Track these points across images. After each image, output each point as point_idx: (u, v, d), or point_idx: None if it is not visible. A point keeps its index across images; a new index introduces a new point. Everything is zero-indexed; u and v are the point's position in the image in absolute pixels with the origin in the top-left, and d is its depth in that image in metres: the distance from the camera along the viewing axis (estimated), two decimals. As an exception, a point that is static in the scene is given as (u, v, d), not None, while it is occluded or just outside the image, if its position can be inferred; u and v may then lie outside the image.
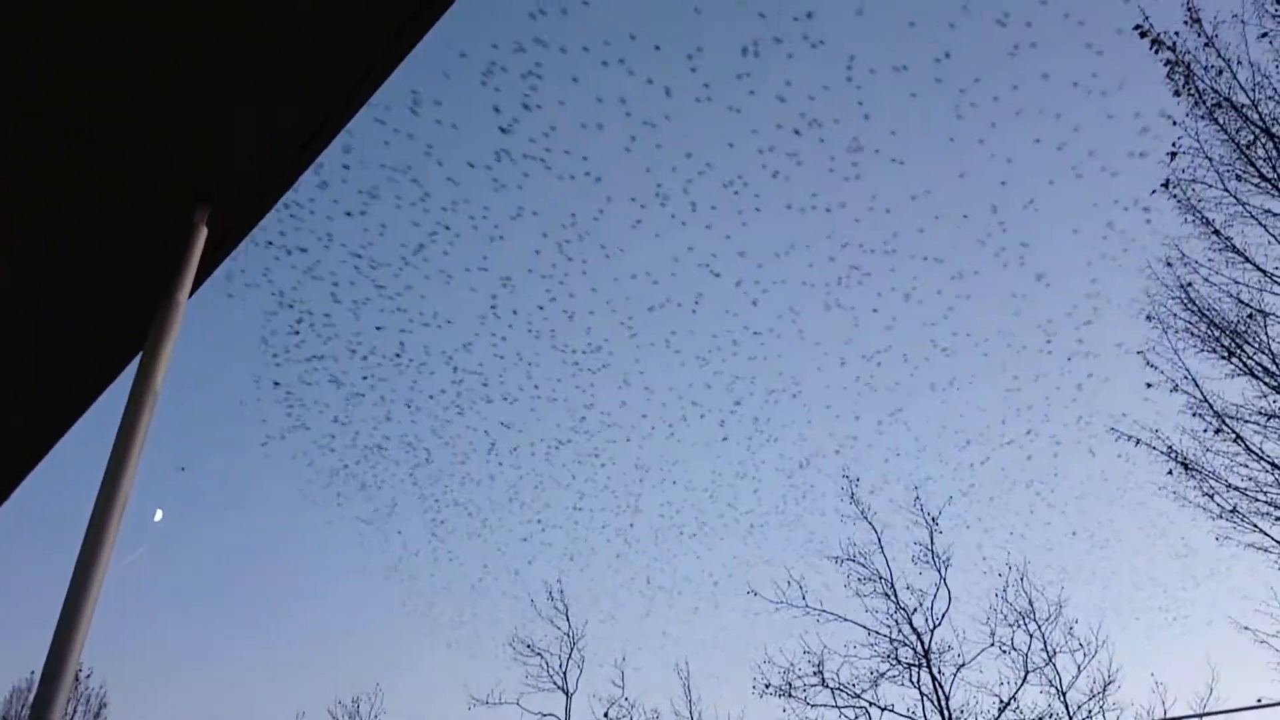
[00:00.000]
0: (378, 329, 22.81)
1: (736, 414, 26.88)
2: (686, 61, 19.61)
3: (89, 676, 29.13)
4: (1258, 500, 13.34)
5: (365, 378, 23.77)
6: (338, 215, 19.41)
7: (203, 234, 2.86)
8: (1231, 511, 13.63)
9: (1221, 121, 12.70)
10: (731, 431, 27.39)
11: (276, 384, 23.81)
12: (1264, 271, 12.83)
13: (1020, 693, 19.94)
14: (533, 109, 17.76)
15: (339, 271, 20.50)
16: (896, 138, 21.23)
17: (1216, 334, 13.54)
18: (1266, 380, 13.03)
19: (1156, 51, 12.93)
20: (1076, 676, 20.02)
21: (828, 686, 20.83)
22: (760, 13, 18.05)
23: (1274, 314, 12.94)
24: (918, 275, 23.01)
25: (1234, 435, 13.52)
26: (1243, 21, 12.35)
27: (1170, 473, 14.29)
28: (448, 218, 20.26)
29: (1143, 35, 12.99)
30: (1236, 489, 13.55)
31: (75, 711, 28.43)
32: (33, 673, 27.52)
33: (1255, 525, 13.48)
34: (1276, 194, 12.38)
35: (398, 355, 23.25)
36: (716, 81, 19.83)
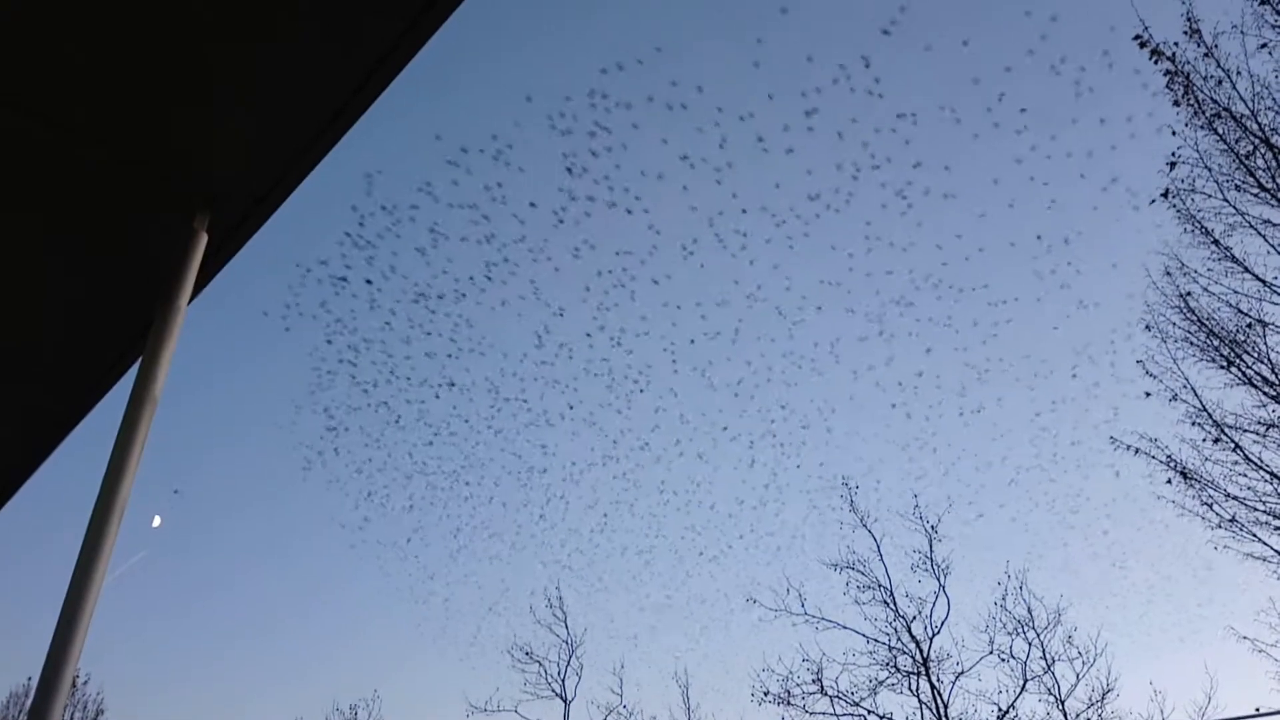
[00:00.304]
0: (427, 355, 23.43)
1: (766, 439, 27.30)
2: (745, 112, 21.17)
3: (86, 682, 29.09)
4: (1256, 510, 13.34)
5: (409, 402, 25.07)
6: (404, 250, 21.16)
7: (203, 239, 2.86)
8: (1230, 521, 13.62)
9: (1221, 131, 12.73)
10: (760, 455, 27.71)
11: (325, 410, 24.56)
12: (1263, 281, 12.85)
13: (1019, 701, 19.92)
14: (599, 154, 19.19)
15: (399, 302, 22.08)
16: (950, 173, 21.60)
17: (1216, 343, 13.55)
18: (1265, 390, 13.04)
19: (1156, 62, 12.97)
20: (1075, 685, 19.99)
21: (826, 694, 20.79)
22: (809, 56, 18.69)
23: (1273, 324, 12.96)
24: (959, 303, 23.31)
25: (1233, 444, 13.52)
26: (1242, 32, 12.39)
27: (1169, 482, 14.29)
28: (508, 251, 21.54)
29: (1142, 45, 13.02)
30: (1235, 498, 13.55)
31: (72, 717, 28.37)
32: (30, 678, 27.49)
33: (1254, 534, 13.48)
34: (1276, 204, 12.40)
35: (451, 385, 24.13)
36: (772, 131, 20.78)
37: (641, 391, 25.51)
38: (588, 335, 24.14)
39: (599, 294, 23.16)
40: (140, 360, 2.70)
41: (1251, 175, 12.55)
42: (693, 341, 25.22)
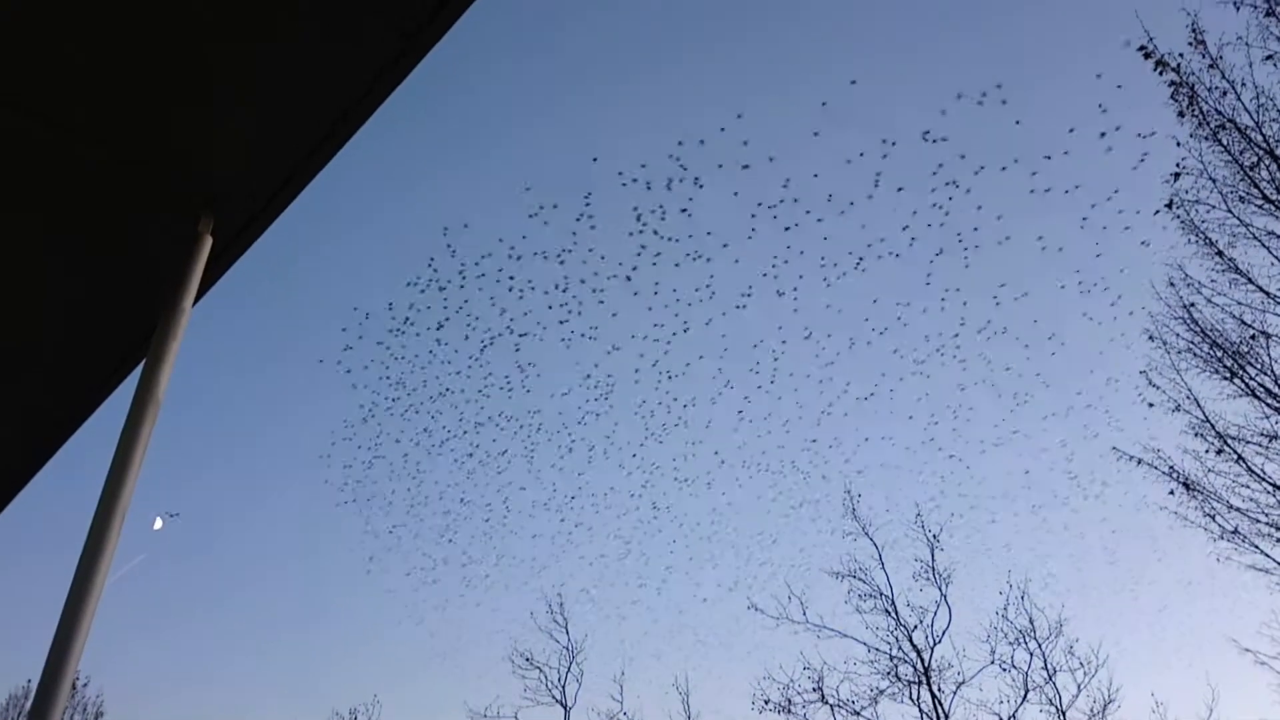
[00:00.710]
0: (480, 391, 25.34)
1: (788, 473, 28.00)
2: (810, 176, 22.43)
3: (86, 685, 29.04)
4: (1259, 521, 13.29)
5: (445, 427, 26.33)
6: (478, 297, 23.02)
7: (207, 242, 2.87)
8: (1233, 532, 13.57)
9: (1225, 143, 12.71)
10: (783, 489, 28.28)
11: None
12: (1267, 293, 12.83)
13: (1020, 711, 19.86)
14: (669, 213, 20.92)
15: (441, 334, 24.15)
16: (1001, 222, 22.16)
17: (1219, 355, 13.52)
18: (1268, 401, 13.00)
19: (1161, 73, 12.97)
20: (1077, 695, 19.93)
21: (827, 703, 20.74)
22: (885, 139, 19.53)
23: (1276, 335, 12.93)
24: (998, 350, 23.82)
25: (1236, 456, 13.48)
26: (1247, 44, 12.38)
27: (1172, 493, 14.26)
28: (576, 289, 23.05)
29: (1146, 56, 13.03)
30: (1238, 510, 13.51)
31: (72, 719, 28.32)
32: (30, 680, 27.46)
33: (1256, 546, 13.43)
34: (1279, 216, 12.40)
35: (503, 417, 26.00)
36: (839, 192, 21.87)
37: (678, 425, 26.83)
38: (635, 370, 25.82)
39: (652, 333, 24.65)
40: (144, 363, 2.71)
41: (1256, 187, 12.54)
42: (730, 384, 26.19)
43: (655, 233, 22.02)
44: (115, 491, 2.43)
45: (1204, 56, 12.72)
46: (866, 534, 22.12)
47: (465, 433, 26.85)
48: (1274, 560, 13.32)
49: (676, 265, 23.24)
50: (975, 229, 21.81)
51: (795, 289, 23.53)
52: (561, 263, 22.71)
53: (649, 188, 21.15)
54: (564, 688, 24.35)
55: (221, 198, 2.82)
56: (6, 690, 29.49)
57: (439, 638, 36.99)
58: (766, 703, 21.23)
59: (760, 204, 21.87)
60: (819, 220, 21.87)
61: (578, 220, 22.04)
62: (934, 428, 26.39)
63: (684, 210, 21.48)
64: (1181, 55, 12.91)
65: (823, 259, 23.07)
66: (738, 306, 24.41)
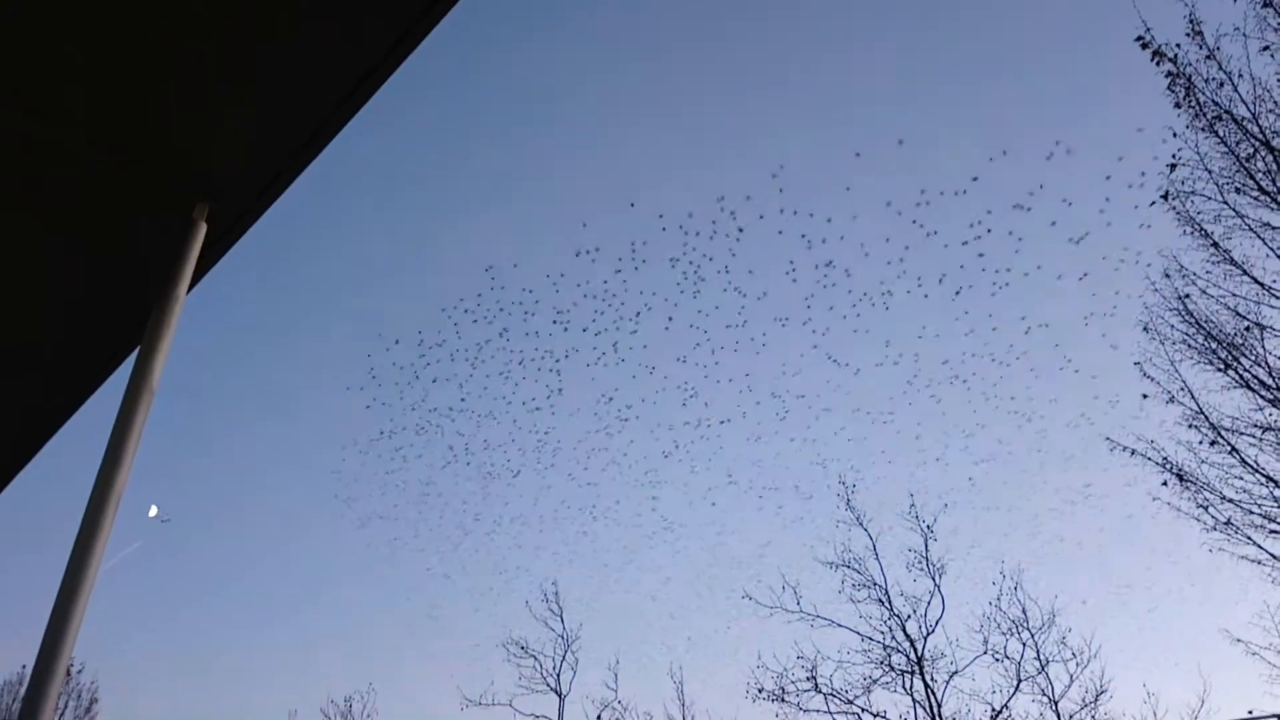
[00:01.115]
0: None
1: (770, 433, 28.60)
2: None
3: (80, 672, 29.08)
4: (1252, 513, 13.33)
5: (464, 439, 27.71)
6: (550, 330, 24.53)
7: (202, 230, 2.86)
8: (1226, 524, 13.62)
9: (1222, 134, 12.71)
10: (760, 451, 28.87)
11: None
12: (1262, 285, 12.84)
13: (1012, 701, 19.95)
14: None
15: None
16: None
17: (1213, 346, 13.54)
18: (1262, 393, 13.04)
19: (1158, 64, 12.96)
20: (1069, 686, 20.03)
21: (820, 692, 20.81)
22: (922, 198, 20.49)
23: (1271, 327, 12.95)
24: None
25: (1229, 448, 13.52)
26: (1244, 35, 12.37)
27: (1165, 484, 14.31)
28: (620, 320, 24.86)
29: (1144, 46, 13.02)
30: (1231, 501, 13.55)
31: (66, 706, 28.37)
32: (24, 667, 27.47)
33: (1249, 538, 13.48)
34: (1275, 207, 12.39)
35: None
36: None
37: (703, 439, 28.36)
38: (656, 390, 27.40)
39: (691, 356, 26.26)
40: (138, 350, 2.70)
41: (1251, 178, 12.54)
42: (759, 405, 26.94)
43: (696, 272, 23.74)
44: (109, 478, 2.42)
45: (1201, 47, 12.72)
46: (860, 524, 22.21)
47: (468, 447, 27.59)
48: (1266, 551, 13.38)
49: (718, 308, 25.18)
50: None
51: (826, 327, 25.01)
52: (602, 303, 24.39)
53: (691, 238, 23.01)
54: (559, 676, 24.45)
55: (219, 187, 2.81)
56: (1, 676, 29.53)
57: (434, 625, 37.05)
58: (760, 691, 21.34)
59: (800, 241, 23.29)
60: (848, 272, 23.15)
61: (620, 260, 23.91)
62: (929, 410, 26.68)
63: (729, 251, 23.24)
64: (1179, 46, 12.91)
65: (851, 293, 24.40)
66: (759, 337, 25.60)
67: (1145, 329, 14.60)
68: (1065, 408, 25.85)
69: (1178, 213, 13.41)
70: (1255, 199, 12.61)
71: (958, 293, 23.49)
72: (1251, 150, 12.50)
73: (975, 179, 21.22)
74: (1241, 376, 13.23)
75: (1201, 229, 13.21)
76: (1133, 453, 14.70)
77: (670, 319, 25.15)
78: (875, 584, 21.48)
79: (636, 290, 24.48)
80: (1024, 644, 20.51)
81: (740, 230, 22.70)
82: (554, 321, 25.17)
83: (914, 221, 22.29)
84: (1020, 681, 20.06)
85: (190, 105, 2.54)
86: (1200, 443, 13.88)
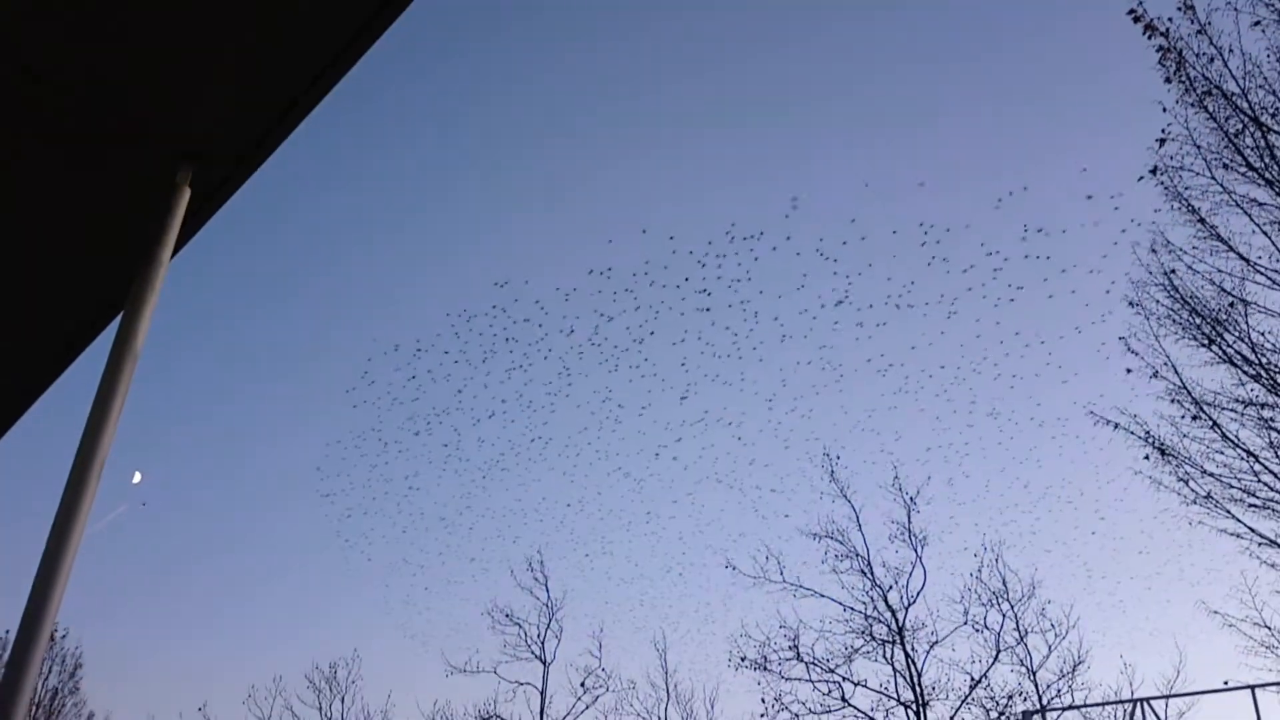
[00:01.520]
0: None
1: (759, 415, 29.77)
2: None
3: (64, 637, 29.10)
4: (1232, 487, 13.50)
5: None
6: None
7: (186, 194, 2.82)
8: (1206, 497, 13.79)
9: (1211, 109, 12.70)
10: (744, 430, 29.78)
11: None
12: (1247, 260, 12.90)
13: (991, 671, 20.26)
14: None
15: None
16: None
17: (1197, 321, 13.63)
18: (1244, 368, 13.14)
19: (1150, 37, 12.92)
20: (1047, 656, 20.36)
21: (802, 661, 21.08)
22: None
23: (1255, 303, 13.04)
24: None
25: (1211, 422, 13.66)
26: (1235, 9, 12.34)
27: (1147, 457, 14.45)
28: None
29: (1136, 20, 12.98)
30: (1211, 475, 13.71)
31: (50, 670, 28.41)
32: (7, 631, 27.43)
33: (1228, 511, 13.66)
34: (1263, 183, 12.43)
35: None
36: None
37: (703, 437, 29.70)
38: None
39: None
40: (121, 315, 2.67)
41: (1240, 154, 12.56)
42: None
43: (706, 292, 24.81)
44: (93, 442, 2.40)
45: (1193, 22, 12.69)
46: (844, 496, 22.37)
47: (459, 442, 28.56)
48: (1245, 525, 13.57)
49: (728, 327, 26.02)
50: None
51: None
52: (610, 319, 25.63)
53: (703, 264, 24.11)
54: (543, 644, 24.63)
55: (205, 152, 2.77)
56: (-15, 641, 29.51)
57: (419, 596, 37.24)
58: (743, 660, 21.58)
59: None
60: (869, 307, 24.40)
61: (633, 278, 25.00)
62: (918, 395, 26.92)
63: (742, 269, 24.50)
64: (1170, 20, 12.87)
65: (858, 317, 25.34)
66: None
67: (1130, 303, 14.68)
68: (1048, 377, 26.18)
69: (1165, 188, 13.45)
70: (1243, 175, 12.64)
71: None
72: (1240, 126, 12.51)
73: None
74: (1224, 352, 13.34)
75: (1189, 204, 13.25)
76: (1115, 426, 14.84)
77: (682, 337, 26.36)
78: (858, 555, 21.70)
79: (647, 303, 25.54)
80: (1004, 615, 20.82)
81: (755, 259, 23.91)
82: (560, 330, 26.24)
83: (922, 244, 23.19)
84: (999, 652, 20.37)
85: (171, 66, 2.49)
86: (1182, 417, 14.03)
